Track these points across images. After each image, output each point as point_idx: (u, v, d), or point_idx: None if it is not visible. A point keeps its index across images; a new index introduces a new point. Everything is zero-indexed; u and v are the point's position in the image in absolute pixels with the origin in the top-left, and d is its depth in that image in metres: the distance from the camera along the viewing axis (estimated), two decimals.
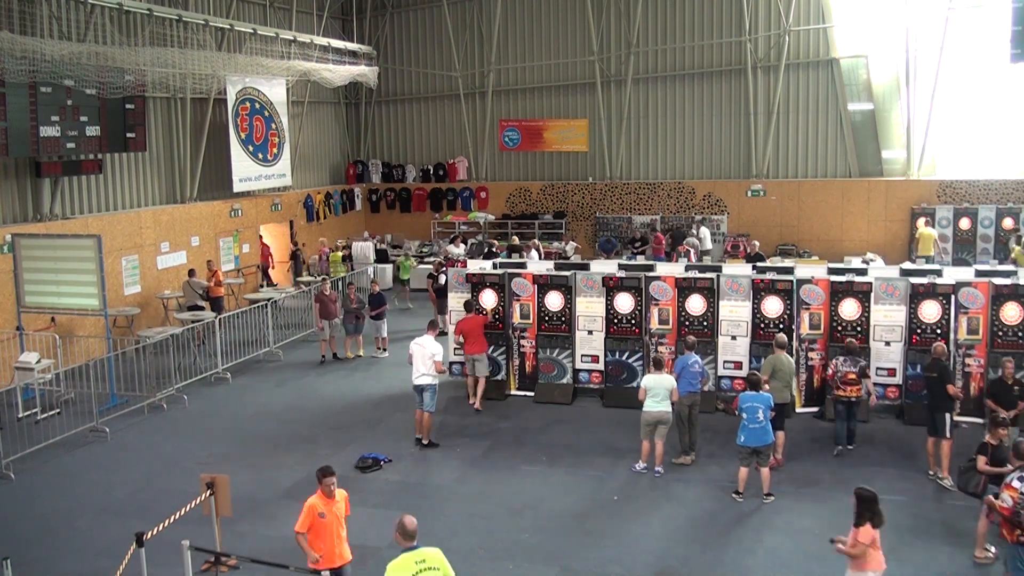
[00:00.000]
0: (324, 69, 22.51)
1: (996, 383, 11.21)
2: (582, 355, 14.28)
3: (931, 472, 10.89)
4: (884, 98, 24.21)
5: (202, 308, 18.15)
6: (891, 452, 11.80)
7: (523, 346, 14.52)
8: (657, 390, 11.19)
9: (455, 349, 14.89)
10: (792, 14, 23.87)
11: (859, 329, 13.05)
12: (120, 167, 19.07)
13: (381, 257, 24.34)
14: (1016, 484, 7.91)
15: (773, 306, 13.41)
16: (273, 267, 23.60)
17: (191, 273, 18.64)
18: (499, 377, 14.62)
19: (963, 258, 21.99)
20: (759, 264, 15.77)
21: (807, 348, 13.28)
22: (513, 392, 14.67)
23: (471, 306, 14.48)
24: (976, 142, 24.15)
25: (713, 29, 24.93)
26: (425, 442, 12.41)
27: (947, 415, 10.69)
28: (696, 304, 13.67)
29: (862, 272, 13.71)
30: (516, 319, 14.50)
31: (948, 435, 10.67)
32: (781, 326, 13.30)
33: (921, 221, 22.00)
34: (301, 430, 13.32)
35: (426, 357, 12.29)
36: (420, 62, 27.80)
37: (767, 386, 10.93)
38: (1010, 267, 15.00)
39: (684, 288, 13.74)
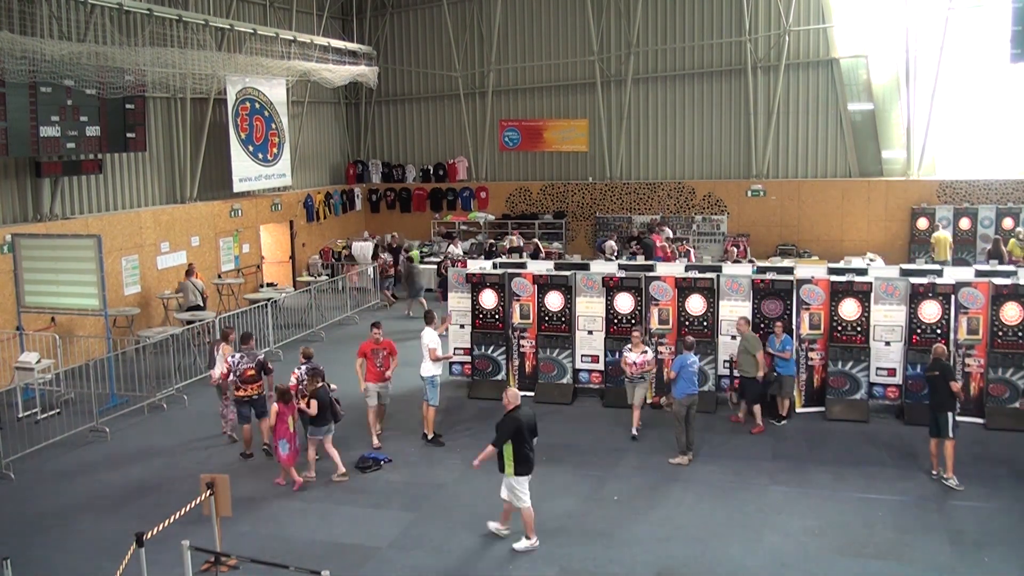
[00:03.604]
0: (324, 69, 22.50)
1: None
2: (582, 355, 14.27)
3: (935, 473, 10.85)
4: (884, 98, 24.21)
5: (202, 308, 18.12)
6: (891, 452, 11.80)
7: (523, 346, 14.51)
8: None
9: (454, 349, 14.90)
10: (792, 14, 23.86)
11: (859, 329, 13.07)
12: (120, 167, 19.06)
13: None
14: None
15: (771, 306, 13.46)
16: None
17: (188, 272, 18.67)
18: (499, 377, 14.63)
19: (963, 258, 21.99)
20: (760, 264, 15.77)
21: (807, 348, 13.29)
22: None
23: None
24: (976, 142, 24.15)
25: (713, 29, 24.92)
26: (430, 436, 12.43)
27: (950, 414, 10.63)
28: (696, 304, 13.68)
29: (862, 272, 13.71)
30: (516, 319, 14.50)
31: (951, 435, 10.61)
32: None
33: (920, 221, 21.98)
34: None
35: (423, 349, 12.41)
36: (420, 62, 27.79)
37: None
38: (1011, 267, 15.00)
39: (684, 288, 13.74)
